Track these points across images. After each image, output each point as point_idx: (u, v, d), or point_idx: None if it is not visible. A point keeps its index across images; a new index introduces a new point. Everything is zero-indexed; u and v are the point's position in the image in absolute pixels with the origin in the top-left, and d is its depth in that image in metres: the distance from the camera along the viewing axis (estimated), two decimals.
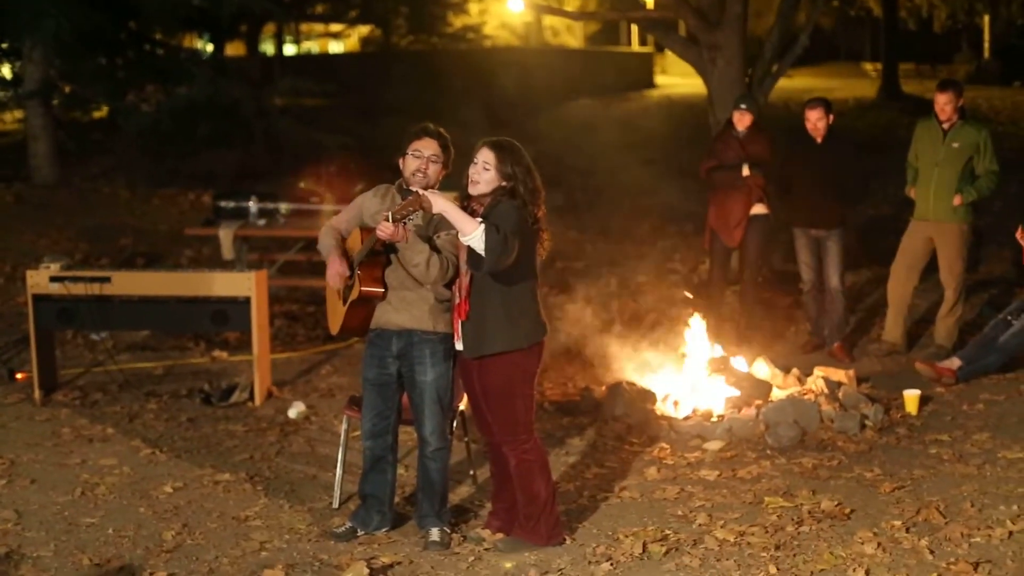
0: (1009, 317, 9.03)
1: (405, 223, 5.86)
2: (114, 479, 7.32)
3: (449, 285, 6.08)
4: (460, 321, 5.96)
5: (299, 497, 7.03)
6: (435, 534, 6.24)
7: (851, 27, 40.09)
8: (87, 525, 6.58)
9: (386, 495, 6.41)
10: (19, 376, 9.47)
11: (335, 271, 6.18)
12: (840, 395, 8.32)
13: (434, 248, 6.01)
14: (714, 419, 8.16)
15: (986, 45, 39.88)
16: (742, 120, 10.08)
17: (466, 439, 7.24)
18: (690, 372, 8.77)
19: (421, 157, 6.13)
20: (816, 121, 9.73)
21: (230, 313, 8.90)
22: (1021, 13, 30.57)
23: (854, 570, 5.73)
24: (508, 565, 5.97)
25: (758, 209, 10.09)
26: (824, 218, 9.79)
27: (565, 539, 6.22)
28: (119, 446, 7.98)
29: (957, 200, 9.45)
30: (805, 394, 8.35)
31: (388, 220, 5.77)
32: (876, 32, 36.76)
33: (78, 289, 8.81)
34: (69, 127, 20.40)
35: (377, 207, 6.21)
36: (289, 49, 38.64)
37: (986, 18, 36.81)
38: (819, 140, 9.76)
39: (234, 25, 23.64)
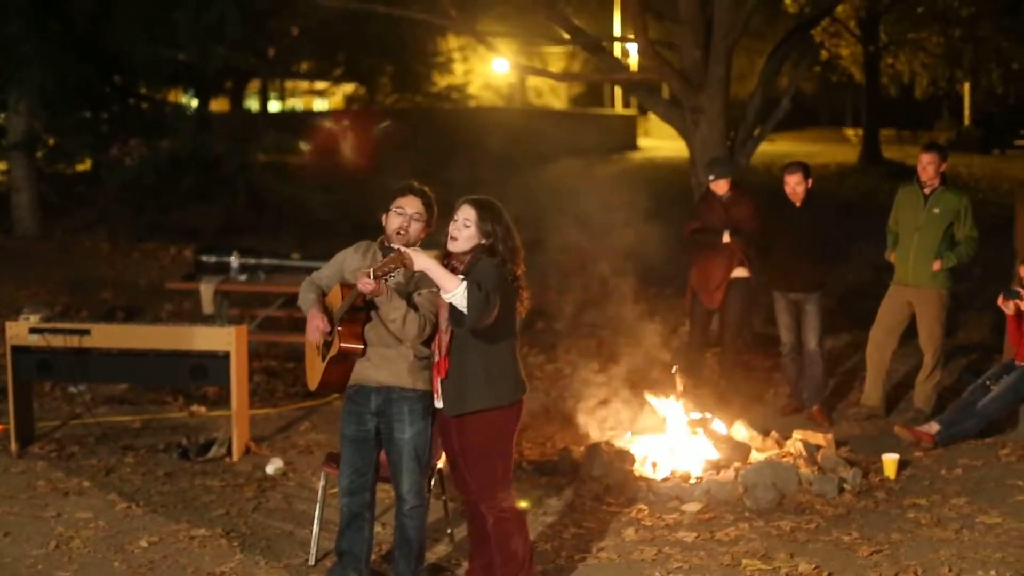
0: (988, 382, 9.07)
1: (386, 280, 5.86)
2: (89, 533, 7.27)
3: (428, 342, 6.07)
4: (439, 379, 5.95)
5: (275, 553, 6.99)
6: None
7: (833, 93, 40.59)
8: None
9: (363, 552, 6.36)
10: None
11: (315, 326, 6.16)
12: (819, 458, 8.32)
13: (412, 305, 6.01)
14: (692, 481, 8.14)
15: (966, 113, 40.37)
16: (719, 187, 10.14)
17: (444, 497, 7.22)
18: (669, 434, 8.76)
19: (404, 215, 6.15)
20: (795, 185, 9.82)
21: (209, 368, 8.87)
22: (1001, 82, 30.93)
23: None
24: None
25: (739, 272, 10.12)
26: (803, 282, 9.85)
27: None
28: (95, 499, 7.93)
29: (937, 265, 9.50)
30: (784, 457, 8.34)
31: (370, 276, 5.77)
32: (858, 98, 37.20)
33: (57, 341, 8.78)
34: (52, 179, 20.39)
35: (358, 263, 6.21)
36: (274, 106, 38.81)
37: (967, 86, 37.27)
38: (798, 204, 9.85)
39: (219, 81, 23.74)
